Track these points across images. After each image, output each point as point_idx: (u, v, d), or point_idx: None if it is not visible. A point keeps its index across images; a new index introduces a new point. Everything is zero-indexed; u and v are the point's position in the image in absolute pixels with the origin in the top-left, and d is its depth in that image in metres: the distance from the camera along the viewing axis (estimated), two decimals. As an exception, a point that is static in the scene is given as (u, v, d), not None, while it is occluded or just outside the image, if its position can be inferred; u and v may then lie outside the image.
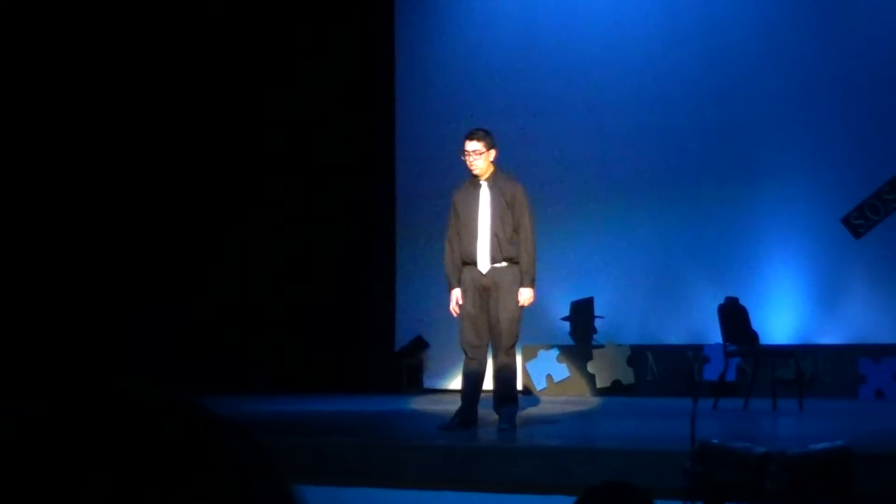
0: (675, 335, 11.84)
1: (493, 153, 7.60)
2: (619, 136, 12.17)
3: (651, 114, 12.09)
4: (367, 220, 12.19)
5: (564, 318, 12.10)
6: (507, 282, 7.45)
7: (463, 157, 7.61)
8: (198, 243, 11.90)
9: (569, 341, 12.04)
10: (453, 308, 7.60)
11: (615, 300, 12.03)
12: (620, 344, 11.74)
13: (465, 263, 7.58)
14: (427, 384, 12.53)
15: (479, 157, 7.52)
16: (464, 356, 7.70)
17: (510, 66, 12.58)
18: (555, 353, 11.88)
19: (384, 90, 12.88)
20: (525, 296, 7.47)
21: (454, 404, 10.18)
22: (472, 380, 7.59)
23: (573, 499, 2.69)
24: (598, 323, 12.02)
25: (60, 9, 10.84)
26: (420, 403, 10.25)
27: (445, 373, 12.65)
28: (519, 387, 11.83)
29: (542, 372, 11.88)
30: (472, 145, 7.53)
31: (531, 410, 9.58)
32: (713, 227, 11.81)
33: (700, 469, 4.32)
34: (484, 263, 7.46)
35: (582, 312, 12.03)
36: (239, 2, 12.13)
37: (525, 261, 7.49)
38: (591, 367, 11.69)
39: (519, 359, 11.88)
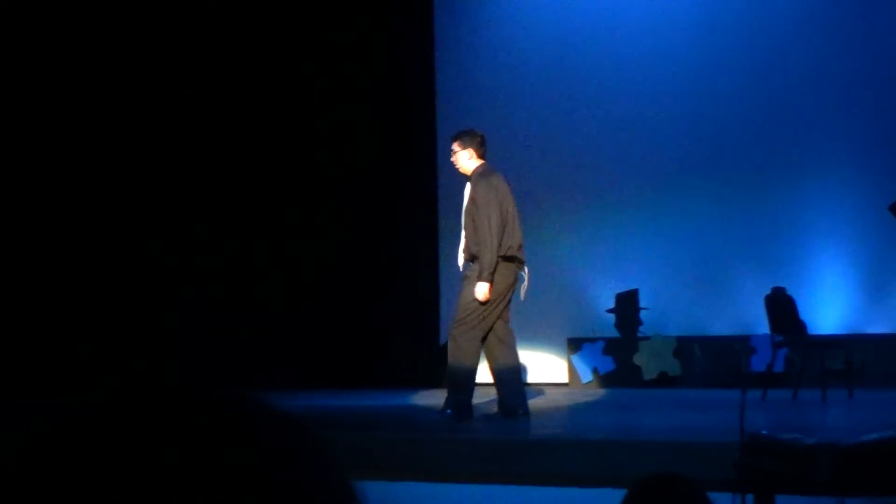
0: (721, 326, 11.76)
1: (469, 152, 7.81)
2: (663, 126, 12.09)
3: (695, 103, 12.00)
4: (410, 214, 12.19)
5: (609, 310, 12.06)
6: (468, 274, 7.68)
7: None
8: (241, 238, 11.95)
9: (614, 333, 11.99)
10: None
11: (661, 291, 11.96)
12: (666, 335, 11.68)
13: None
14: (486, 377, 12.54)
15: (455, 156, 7.89)
16: None
17: (548, 57, 12.54)
18: (600, 345, 11.85)
19: (425, 84, 12.89)
20: (479, 291, 7.48)
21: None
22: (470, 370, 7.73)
23: (622, 492, 2.69)
24: (643, 314, 11.96)
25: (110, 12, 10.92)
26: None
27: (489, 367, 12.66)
28: (565, 379, 11.89)
29: (587, 364, 11.85)
30: (452, 146, 7.92)
31: (578, 403, 9.57)
32: (759, 217, 11.71)
33: (749, 461, 4.29)
34: (460, 259, 7.72)
35: (627, 304, 11.98)
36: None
37: (480, 256, 7.55)
38: (637, 359, 11.65)
39: (564, 351, 11.96)
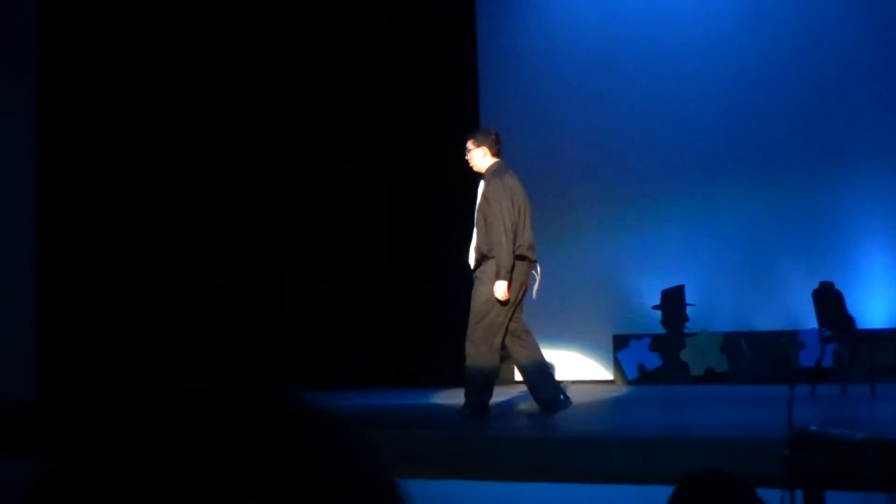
0: (768, 321, 11.69)
1: (483, 150, 7.73)
2: (707, 121, 12.05)
3: (740, 98, 11.96)
4: (455, 214, 12.22)
5: (655, 307, 12.02)
6: (478, 276, 7.57)
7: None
8: (290, 239, 12.02)
9: (660, 330, 11.95)
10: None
11: (707, 287, 11.91)
12: (713, 331, 11.63)
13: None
14: (515, 377, 12.54)
15: (469, 154, 7.75)
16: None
17: (589, 55, 12.56)
18: (646, 342, 11.82)
19: (468, 87, 12.91)
20: (498, 290, 7.43)
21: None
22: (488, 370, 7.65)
23: (669, 489, 2.67)
24: (689, 311, 11.92)
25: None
26: (511, 395, 10.23)
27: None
28: (611, 376, 11.86)
29: (633, 361, 11.82)
30: (467, 146, 7.77)
31: (624, 400, 9.54)
32: (806, 211, 11.64)
33: (798, 456, 4.25)
34: (471, 258, 7.62)
35: (673, 300, 11.93)
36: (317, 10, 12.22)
37: (495, 255, 7.49)
38: (683, 356, 11.61)
39: (610, 348, 11.93)
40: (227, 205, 11.41)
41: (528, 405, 9.22)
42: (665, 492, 2.67)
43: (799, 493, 4.23)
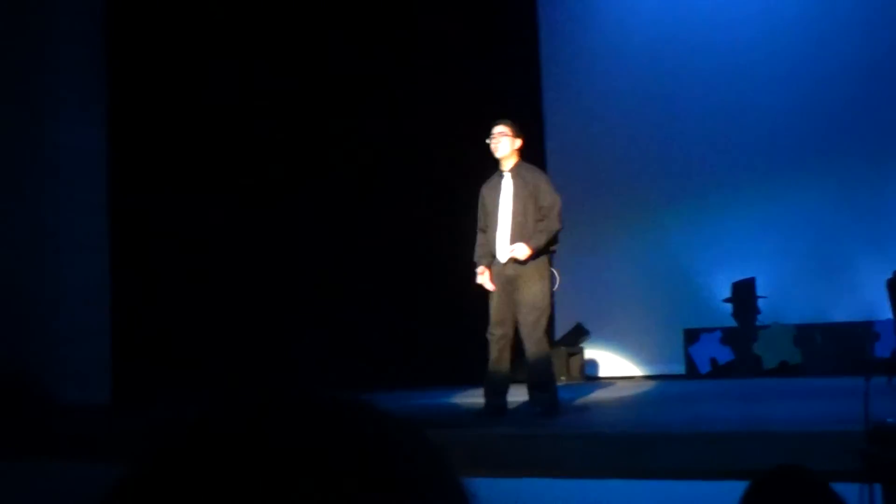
0: (842, 312, 11.54)
1: (518, 141, 7.53)
2: (776, 114, 11.96)
3: (805, 89, 11.86)
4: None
5: (726, 300, 11.92)
6: (528, 273, 7.33)
7: (488, 142, 7.49)
8: (353, 244, 12.10)
9: (732, 323, 11.85)
10: (486, 282, 7.42)
11: (778, 279, 11.80)
12: (786, 323, 11.51)
13: (493, 255, 7.47)
14: (589, 372, 12.51)
15: (504, 139, 7.46)
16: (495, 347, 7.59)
17: (656, 51, 12.53)
18: (718, 335, 11.73)
19: (531, 87, 12.92)
20: (519, 249, 7.27)
21: (617, 392, 10.18)
22: (497, 374, 7.49)
23: (744, 485, 2.65)
24: (761, 303, 11.81)
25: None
26: (582, 391, 10.22)
27: (607, 360, 12.62)
28: (682, 370, 11.78)
29: (705, 355, 11.74)
30: (498, 129, 7.49)
31: (696, 394, 9.47)
32: (875, 199, 11.50)
33: (876, 450, 4.20)
34: (504, 254, 7.35)
35: (744, 293, 11.83)
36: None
37: (541, 230, 7.37)
38: (756, 349, 11.50)
39: (681, 342, 11.86)
40: (285, 211, 11.49)
41: (596, 401, 9.19)
42: (739, 488, 2.64)
43: (878, 488, 4.17)
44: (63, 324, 9.40)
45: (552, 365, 7.74)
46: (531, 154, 11.50)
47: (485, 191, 7.60)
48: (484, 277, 7.47)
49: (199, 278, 10.51)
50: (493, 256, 7.45)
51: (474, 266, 7.57)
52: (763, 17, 12.14)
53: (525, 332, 7.33)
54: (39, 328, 9.29)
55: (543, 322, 7.40)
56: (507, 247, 7.33)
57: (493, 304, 7.42)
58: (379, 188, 12.17)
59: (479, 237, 7.60)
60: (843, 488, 2.55)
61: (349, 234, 12.03)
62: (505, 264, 7.36)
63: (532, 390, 7.48)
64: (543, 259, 7.42)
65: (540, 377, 7.44)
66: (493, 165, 7.65)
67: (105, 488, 0.79)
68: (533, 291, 7.32)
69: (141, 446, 0.79)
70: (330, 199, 11.89)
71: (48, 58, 9.51)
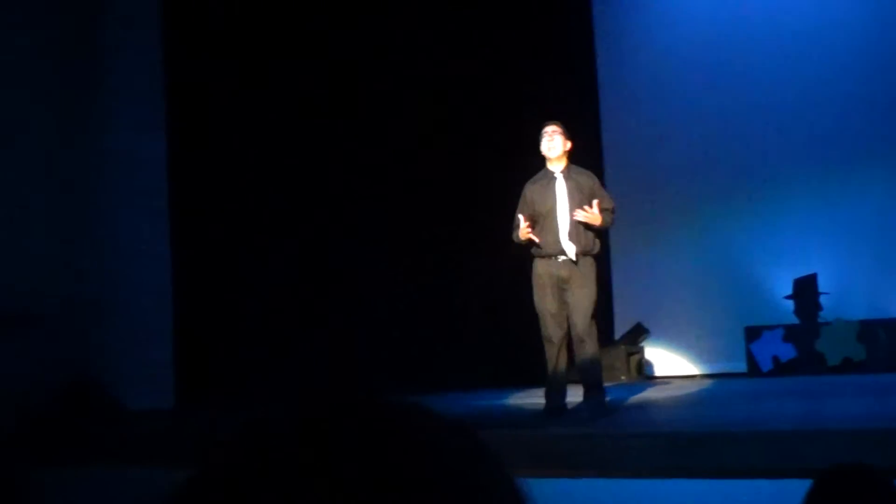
0: (906, 307, 11.45)
1: (569, 143, 7.55)
2: (835, 110, 11.85)
3: (868, 86, 11.74)
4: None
5: (787, 297, 11.81)
6: (583, 273, 7.38)
7: (540, 140, 7.52)
8: (416, 245, 12.13)
9: (793, 320, 11.73)
10: (524, 229, 7.39)
11: (840, 275, 11.69)
12: (849, 320, 11.38)
13: (541, 257, 7.48)
14: (649, 371, 12.46)
15: (558, 137, 7.48)
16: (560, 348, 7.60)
17: (710, 52, 12.48)
18: (779, 332, 11.62)
19: (588, 87, 12.89)
20: (591, 213, 7.31)
21: (678, 391, 10.12)
22: (555, 374, 7.48)
23: (807, 483, 2.63)
24: (823, 299, 11.68)
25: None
26: (642, 390, 10.17)
27: (668, 359, 12.55)
28: (744, 368, 11.69)
29: (767, 353, 11.63)
30: (552, 128, 7.53)
31: (759, 392, 9.39)
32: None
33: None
34: (571, 253, 7.37)
35: (806, 289, 11.71)
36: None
37: (608, 224, 7.62)
38: (818, 345, 11.38)
39: (743, 340, 11.76)
40: (347, 213, 11.55)
41: (656, 400, 9.15)
42: (803, 486, 2.62)
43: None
44: (127, 331, 9.52)
45: (601, 366, 7.77)
46: (588, 153, 11.53)
47: (532, 191, 7.60)
48: (522, 227, 7.44)
49: (258, 282, 10.59)
50: (540, 257, 7.49)
51: (514, 244, 7.60)
52: (818, 13, 12.03)
53: (578, 334, 7.35)
54: (105, 335, 9.42)
55: (593, 323, 7.43)
56: (565, 248, 7.36)
57: (547, 307, 7.45)
58: (433, 191, 12.19)
59: (517, 227, 7.62)
60: (909, 486, 2.52)
61: (407, 240, 12.07)
62: (560, 264, 7.37)
63: (587, 391, 7.50)
64: (593, 262, 7.48)
65: (593, 377, 7.47)
66: (538, 167, 7.67)
67: (169, 491, 0.80)
68: (585, 294, 7.37)
69: (202, 451, 0.81)
70: (386, 204, 11.93)
71: (111, 72, 9.64)
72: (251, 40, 10.64)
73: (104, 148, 9.56)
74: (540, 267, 7.47)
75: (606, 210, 7.48)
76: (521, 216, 7.45)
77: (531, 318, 7.71)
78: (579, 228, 7.39)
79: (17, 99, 9.06)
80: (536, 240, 7.44)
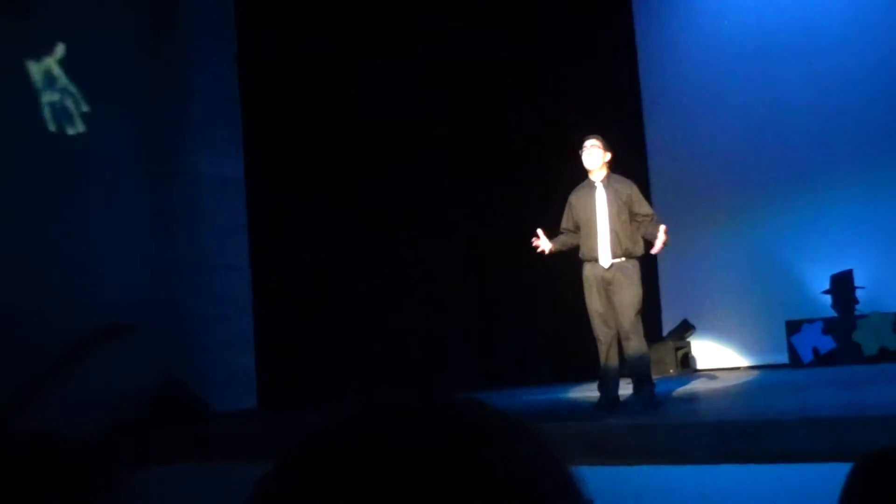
0: (939, 299, 11.28)
1: (608, 155, 7.56)
2: (867, 112, 11.70)
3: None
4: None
5: (825, 292, 11.67)
6: (626, 275, 7.37)
7: (580, 153, 7.53)
8: (479, 251, 12.15)
9: (831, 313, 11.59)
10: (536, 241, 7.54)
11: (875, 269, 11.54)
12: (884, 312, 11.23)
13: (586, 260, 7.49)
14: (695, 364, 12.36)
15: (596, 150, 7.49)
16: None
17: (750, 56, 12.35)
18: (819, 325, 11.49)
19: (631, 93, 12.83)
20: (662, 234, 7.33)
21: (723, 382, 10.03)
22: (607, 370, 7.45)
23: (849, 466, 2.58)
24: (859, 293, 11.52)
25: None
26: (692, 383, 10.10)
27: (713, 352, 12.45)
28: (786, 360, 11.56)
29: (807, 345, 11.51)
30: (590, 142, 7.53)
31: (801, 382, 9.28)
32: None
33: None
34: (605, 259, 7.38)
35: (842, 284, 11.57)
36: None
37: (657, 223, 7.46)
38: (856, 337, 11.24)
39: (783, 333, 11.64)
40: (413, 224, 11.57)
41: (704, 392, 9.07)
42: (844, 469, 2.58)
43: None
44: (213, 338, 9.61)
45: (649, 361, 7.76)
46: (634, 159, 11.49)
47: (575, 199, 7.66)
48: (541, 241, 7.57)
49: (330, 292, 10.65)
50: (586, 261, 7.51)
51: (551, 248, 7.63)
52: (854, 18, 11.89)
53: (625, 332, 7.37)
54: (192, 343, 9.52)
55: (639, 320, 7.43)
56: (609, 253, 7.38)
57: (594, 308, 7.48)
58: (493, 200, 12.22)
59: (561, 237, 7.65)
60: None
61: (470, 245, 12.10)
62: (607, 268, 7.39)
63: (636, 384, 7.49)
64: (636, 263, 7.49)
65: (642, 371, 7.47)
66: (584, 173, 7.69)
67: (251, 487, 0.81)
68: (631, 293, 7.39)
69: (282, 449, 0.81)
70: (449, 214, 11.97)
71: (196, 105, 9.76)
72: (313, 75, 10.71)
73: (190, 172, 9.68)
74: (586, 270, 7.51)
75: (646, 218, 7.48)
76: (539, 230, 7.57)
77: (584, 317, 7.70)
78: (618, 234, 7.41)
79: (116, 130, 9.23)
80: (547, 251, 7.56)
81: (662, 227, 7.35)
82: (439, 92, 11.95)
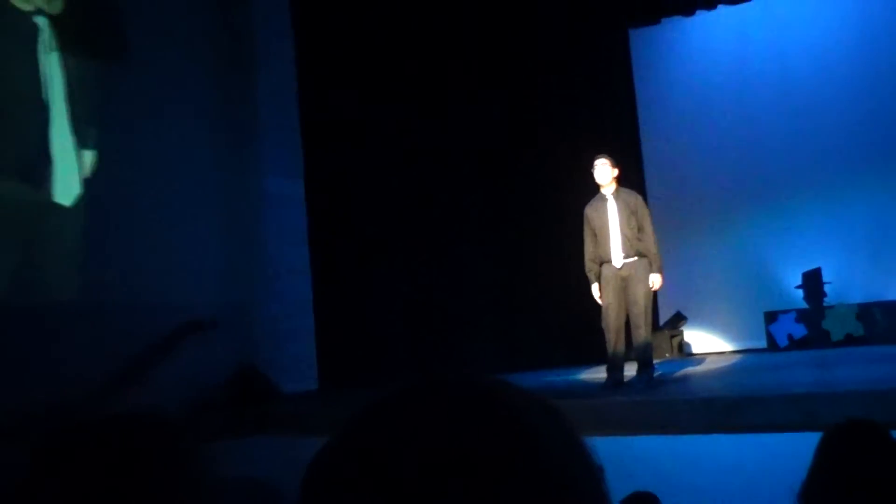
0: (895, 291, 11.14)
1: (615, 171, 7.53)
2: (834, 133, 11.63)
3: (861, 116, 11.50)
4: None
5: (798, 287, 11.59)
6: (639, 272, 7.35)
7: (592, 170, 7.53)
8: (506, 251, 12.14)
9: (803, 305, 11.51)
10: (598, 297, 7.51)
11: (840, 267, 11.45)
12: (849, 303, 11.14)
13: (603, 262, 7.45)
14: (688, 350, 12.29)
15: (604, 167, 7.48)
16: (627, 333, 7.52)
17: (734, 82, 12.28)
18: (792, 315, 11.41)
19: (630, 119, 12.77)
20: (655, 281, 7.39)
21: (712, 365, 9.96)
22: (615, 355, 7.40)
23: (819, 435, 2.57)
24: (827, 287, 11.44)
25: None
26: (683, 366, 10.03)
27: (703, 339, 12.37)
28: (764, 345, 11.47)
29: (783, 332, 11.43)
30: (600, 161, 7.53)
31: (778, 364, 9.20)
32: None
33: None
34: (618, 260, 7.37)
35: (812, 280, 11.48)
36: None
37: (652, 255, 7.40)
38: (825, 325, 11.15)
39: (762, 322, 11.55)
40: (448, 227, 11.57)
41: (695, 373, 9.01)
42: (815, 437, 2.56)
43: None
44: (280, 331, 9.64)
45: (652, 347, 7.71)
46: (633, 172, 11.42)
47: (590, 211, 7.63)
48: (596, 293, 7.54)
49: (378, 290, 10.67)
50: (603, 262, 7.48)
51: (588, 277, 7.62)
52: (819, 59, 11.81)
53: (634, 322, 7.34)
54: (263, 335, 9.55)
55: (648, 313, 7.41)
56: (621, 255, 7.37)
57: (610, 300, 7.45)
58: (522, 207, 12.24)
59: (588, 249, 7.62)
60: (904, 436, 2.45)
61: (500, 248, 12.11)
62: (620, 268, 7.38)
63: (639, 367, 7.46)
64: (648, 263, 7.44)
65: (645, 357, 7.45)
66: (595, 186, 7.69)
67: (313, 455, 0.81)
68: (640, 289, 7.39)
69: (336, 424, 0.81)
70: (479, 223, 11.97)
71: (264, 133, 9.80)
72: (367, 101, 10.74)
73: (261, 191, 9.73)
74: (604, 270, 7.49)
75: (643, 239, 7.45)
76: (594, 286, 7.55)
77: (594, 310, 7.69)
78: (628, 238, 7.40)
79: (199, 157, 9.30)
80: (599, 289, 7.52)
81: (658, 275, 7.39)
82: (472, 118, 11.96)
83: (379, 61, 10.83)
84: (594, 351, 9.29)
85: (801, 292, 11.55)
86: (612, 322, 7.41)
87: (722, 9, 11.98)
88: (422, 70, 11.28)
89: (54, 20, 7.96)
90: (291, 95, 10.02)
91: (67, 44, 8.06)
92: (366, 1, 10.63)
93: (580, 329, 10.95)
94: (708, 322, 12.35)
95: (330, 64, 10.33)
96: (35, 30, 7.84)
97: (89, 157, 8.30)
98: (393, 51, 10.99)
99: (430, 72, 11.38)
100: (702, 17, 12.21)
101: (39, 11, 7.84)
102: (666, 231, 11.32)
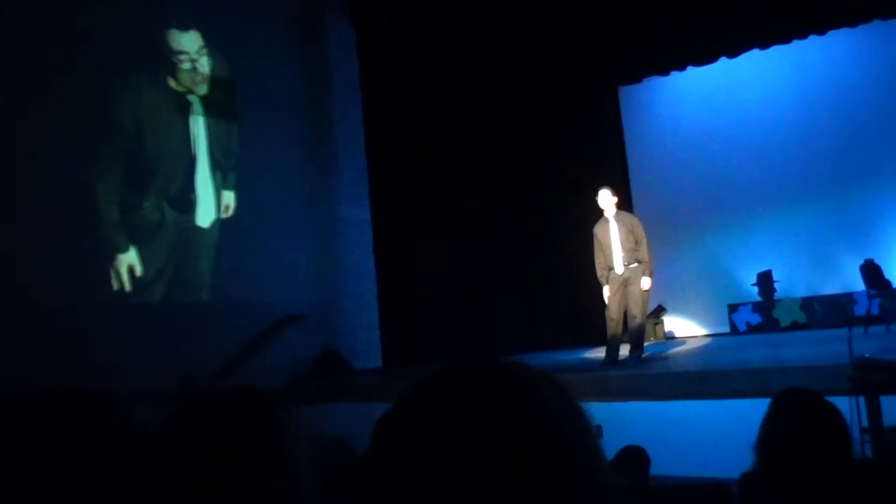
0: (832, 287, 10.93)
1: (615, 199, 7.54)
2: (782, 164, 11.43)
3: (803, 150, 11.27)
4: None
5: (753, 284, 11.43)
6: (635, 276, 7.34)
7: (597, 199, 7.58)
8: (532, 254, 12.08)
9: (758, 298, 11.35)
10: (608, 297, 7.45)
11: (787, 269, 11.28)
12: (794, 297, 10.97)
13: (609, 269, 7.44)
14: (669, 334, 12.14)
15: (608, 196, 7.52)
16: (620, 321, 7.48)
17: (706, 126, 12.11)
18: (749, 307, 11.26)
19: (620, 160, 12.66)
20: (646, 283, 7.35)
21: (687, 346, 9.82)
22: (614, 338, 7.34)
23: (768, 400, 2.53)
24: (777, 284, 11.27)
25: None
26: (664, 347, 9.92)
27: (680, 325, 12.22)
28: (728, 330, 11.30)
29: (742, 320, 11.28)
30: (604, 191, 7.56)
31: (738, 345, 9.06)
32: (853, 209, 10.86)
33: (859, 374, 3.94)
34: (619, 267, 7.37)
35: (765, 279, 11.32)
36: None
37: (645, 262, 7.37)
38: (775, 314, 10.99)
39: (726, 312, 11.39)
40: (483, 232, 11.51)
41: (674, 353, 8.89)
42: (765, 403, 2.53)
43: (861, 399, 3.91)
44: (353, 321, 9.69)
45: (644, 332, 7.63)
46: (623, 199, 11.29)
47: (597, 230, 7.65)
48: (606, 293, 7.52)
49: (431, 290, 10.67)
50: (611, 269, 7.47)
51: (601, 281, 7.59)
52: (771, 105, 11.63)
53: (631, 313, 7.34)
54: (341, 324, 9.61)
55: (644, 305, 7.40)
56: (622, 263, 7.37)
57: (612, 298, 7.41)
58: (543, 221, 12.16)
59: (599, 260, 7.59)
60: (837, 401, 2.41)
61: (529, 256, 12.05)
62: (621, 273, 7.39)
63: (632, 348, 7.41)
64: (642, 267, 7.42)
65: (638, 339, 7.39)
66: (599, 212, 7.64)
67: (379, 417, 0.82)
68: (637, 288, 7.37)
69: (396, 393, 0.82)
70: (507, 233, 11.92)
71: (339, 169, 9.88)
72: (415, 150, 10.75)
73: (339, 216, 9.82)
74: (611, 275, 7.50)
75: (638, 249, 7.42)
76: (605, 288, 7.50)
77: (598, 301, 7.66)
78: (627, 250, 7.41)
79: (296, 191, 9.43)
80: (609, 292, 7.47)
81: (648, 279, 7.35)
82: (498, 160, 11.93)
83: (422, 125, 10.87)
84: (595, 334, 9.24)
85: (756, 289, 11.40)
86: (613, 312, 7.41)
87: (691, 70, 11.86)
88: (452, 131, 11.30)
89: (201, 98, 8.61)
90: (360, 145, 10.12)
91: (209, 113, 8.62)
92: (412, 78, 10.60)
93: (584, 317, 10.90)
94: (683, 312, 12.21)
95: (389, 122, 10.39)
96: (187, 104, 8.49)
97: (228, 196, 8.73)
98: (431, 116, 11.01)
99: (460, 133, 11.39)
100: (675, 76, 12.10)
101: (190, 91, 8.54)
102: (650, 241, 11.24)
